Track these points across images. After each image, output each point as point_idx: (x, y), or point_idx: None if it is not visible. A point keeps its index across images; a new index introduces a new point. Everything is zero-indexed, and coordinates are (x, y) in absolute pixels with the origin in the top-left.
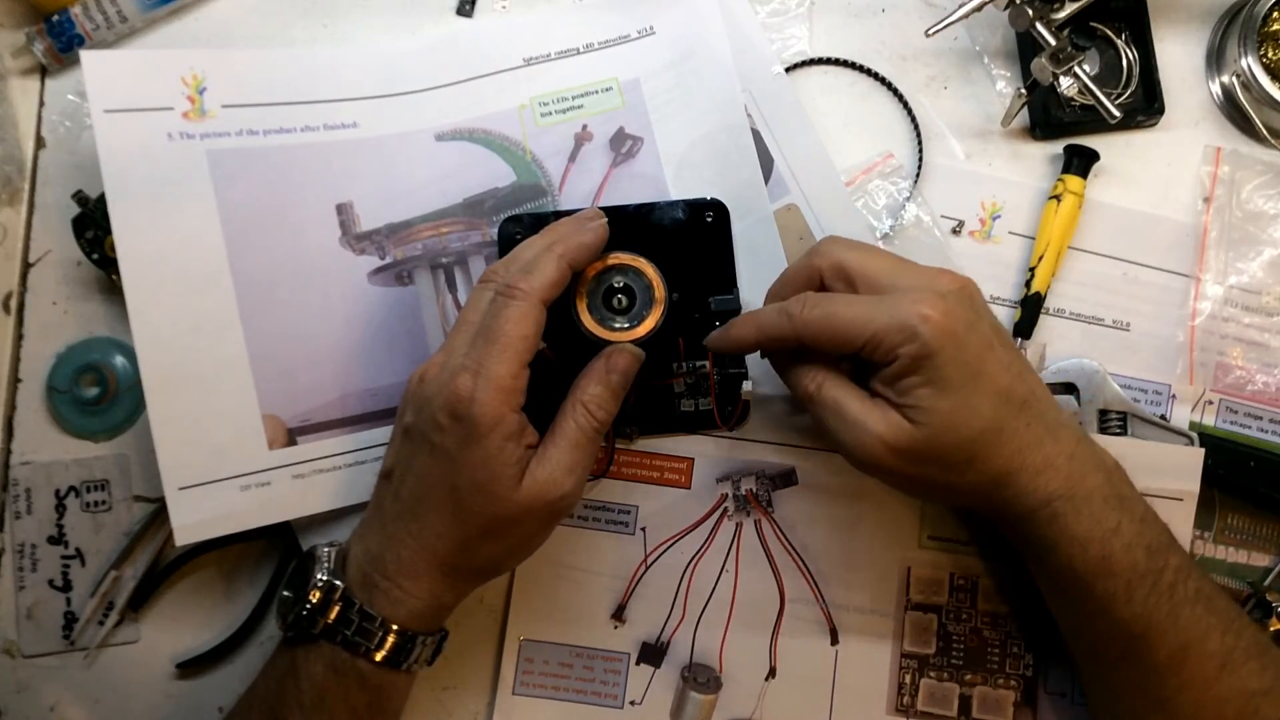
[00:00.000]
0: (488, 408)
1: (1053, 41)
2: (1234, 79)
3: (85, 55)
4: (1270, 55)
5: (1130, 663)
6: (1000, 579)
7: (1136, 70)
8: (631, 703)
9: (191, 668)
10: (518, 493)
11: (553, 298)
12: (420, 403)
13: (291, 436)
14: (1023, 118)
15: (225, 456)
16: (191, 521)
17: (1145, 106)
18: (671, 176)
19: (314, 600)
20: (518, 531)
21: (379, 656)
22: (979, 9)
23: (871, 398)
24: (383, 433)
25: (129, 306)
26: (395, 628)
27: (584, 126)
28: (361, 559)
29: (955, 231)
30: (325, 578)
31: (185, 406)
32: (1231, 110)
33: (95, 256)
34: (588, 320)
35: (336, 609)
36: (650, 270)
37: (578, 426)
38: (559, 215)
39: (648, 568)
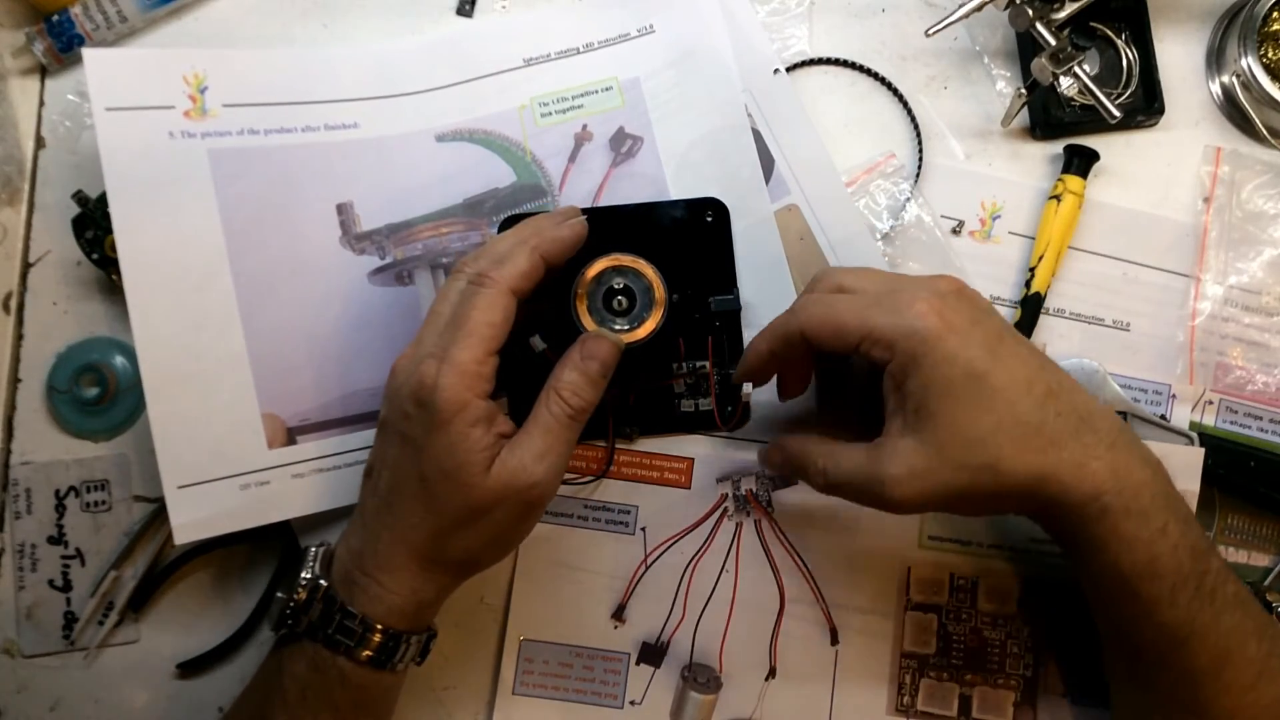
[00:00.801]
0: (450, 393)
1: (1053, 41)
2: (1234, 79)
3: (87, 53)
4: (1270, 55)
5: (1169, 667)
6: (1000, 579)
7: (1136, 70)
8: (631, 703)
9: (191, 668)
10: (486, 479)
11: (524, 289)
12: (390, 394)
13: (291, 436)
14: (1023, 118)
15: (224, 455)
16: (190, 520)
17: (1145, 106)
18: (671, 176)
19: (298, 599)
20: (491, 521)
21: (363, 655)
22: (979, 9)
23: (875, 443)
24: None
25: (129, 303)
26: (379, 626)
27: (584, 126)
28: (345, 557)
29: (955, 231)
30: (309, 576)
31: (185, 405)
32: (1231, 110)
33: (95, 256)
34: (588, 322)
35: (319, 607)
36: (650, 271)
37: (550, 413)
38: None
39: (648, 568)
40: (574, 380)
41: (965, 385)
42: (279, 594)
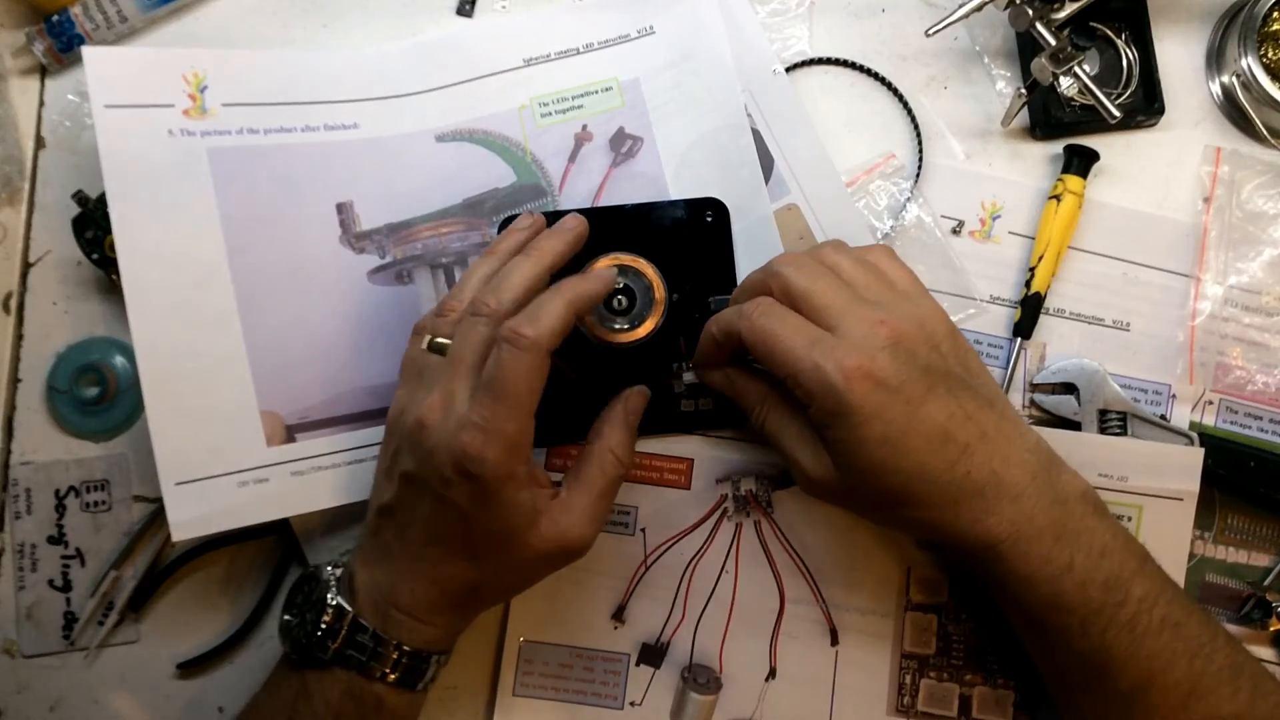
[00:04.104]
0: (500, 467)
1: (1053, 41)
2: (1234, 79)
3: (86, 51)
4: (1270, 55)
5: (1093, 692)
6: None
7: (1136, 70)
8: (631, 704)
9: (191, 668)
10: (534, 539)
11: (557, 345)
12: (423, 454)
13: (290, 433)
14: (1023, 118)
15: (223, 452)
16: (188, 517)
17: (1145, 106)
18: (671, 176)
19: (326, 623)
20: (534, 572)
21: (393, 678)
22: (979, 9)
23: (808, 433)
24: (382, 432)
25: (127, 299)
26: (408, 649)
27: (584, 126)
28: (371, 589)
29: (955, 231)
30: (335, 601)
31: (183, 402)
32: (1231, 110)
33: (95, 256)
34: (588, 321)
35: (347, 634)
36: (650, 271)
37: (605, 476)
38: (559, 215)
39: (648, 568)
40: (623, 439)
41: (877, 448)
42: (287, 617)
